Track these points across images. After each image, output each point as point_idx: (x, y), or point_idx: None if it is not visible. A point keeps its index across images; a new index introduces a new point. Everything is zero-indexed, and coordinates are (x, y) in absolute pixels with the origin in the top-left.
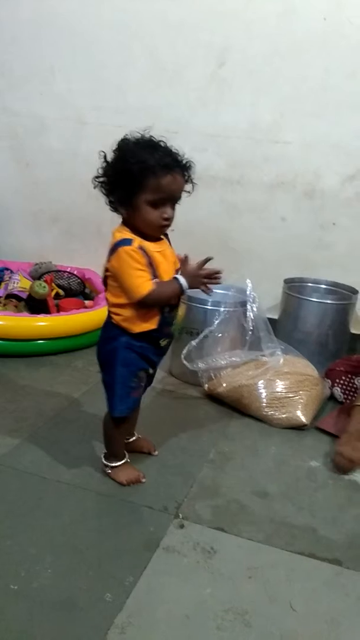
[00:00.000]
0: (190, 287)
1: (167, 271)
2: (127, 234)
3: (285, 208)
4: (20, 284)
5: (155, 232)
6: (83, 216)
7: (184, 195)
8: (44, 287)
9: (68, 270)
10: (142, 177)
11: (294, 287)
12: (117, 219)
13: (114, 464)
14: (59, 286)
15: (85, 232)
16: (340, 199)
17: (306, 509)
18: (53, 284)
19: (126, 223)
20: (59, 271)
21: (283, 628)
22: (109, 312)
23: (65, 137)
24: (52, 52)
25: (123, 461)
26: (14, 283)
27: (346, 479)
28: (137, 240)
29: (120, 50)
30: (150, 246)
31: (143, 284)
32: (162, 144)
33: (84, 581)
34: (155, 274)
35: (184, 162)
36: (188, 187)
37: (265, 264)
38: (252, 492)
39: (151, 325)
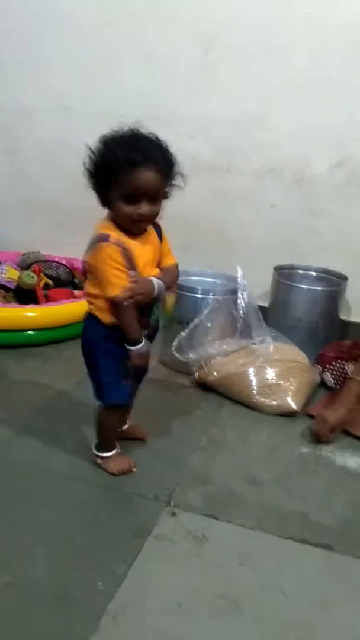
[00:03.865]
0: (136, 351)
1: (146, 264)
2: (107, 229)
3: (275, 195)
4: (8, 274)
5: (132, 228)
6: (72, 205)
7: (173, 190)
8: (33, 277)
9: (57, 260)
10: (111, 173)
11: (284, 274)
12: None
13: (105, 454)
14: (47, 276)
15: (74, 221)
16: (329, 185)
17: (297, 494)
18: (42, 274)
19: (110, 216)
20: (48, 261)
21: (275, 614)
22: (87, 305)
23: (53, 126)
24: (39, 40)
25: (114, 451)
26: (1, 273)
27: (337, 464)
28: (115, 235)
29: (108, 38)
30: (130, 241)
31: (117, 284)
32: (142, 137)
33: (76, 571)
34: (132, 267)
35: (157, 157)
36: (175, 181)
37: (255, 251)
38: (243, 479)
39: None
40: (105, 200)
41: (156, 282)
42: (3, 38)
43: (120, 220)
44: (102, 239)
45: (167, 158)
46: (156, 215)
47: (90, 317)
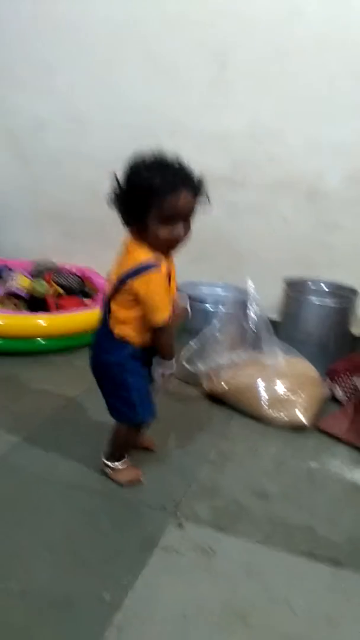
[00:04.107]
0: (169, 365)
1: (175, 286)
2: (147, 254)
3: (287, 209)
4: (20, 282)
5: (167, 250)
6: (84, 215)
7: (200, 210)
8: (44, 285)
9: (68, 268)
10: (149, 198)
11: (295, 288)
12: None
13: (115, 465)
14: (59, 285)
15: (86, 230)
16: (342, 200)
17: (305, 509)
18: (53, 283)
19: (139, 238)
20: (59, 270)
21: (282, 628)
22: (111, 325)
23: (66, 136)
24: (52, 51)
25: (124, 462)
26: (13, 281)
27: (346, 479)
28: (159, 261)
29: (122, 50)
30: (165, 265)
31: (165, 310)
32: (171, 161)
33: (82, 581)
34: (169, 291)
35: (192, 180)
36: (203, 203)
37: (266, 265)
38: (251, 493)
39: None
40: (137, 224)
41: (188, 302)
42: (15, 48)
43: (155, 242)
44: (153, 267)
45: (196, 180)
46: (190, 235)
47: (113, 339)
